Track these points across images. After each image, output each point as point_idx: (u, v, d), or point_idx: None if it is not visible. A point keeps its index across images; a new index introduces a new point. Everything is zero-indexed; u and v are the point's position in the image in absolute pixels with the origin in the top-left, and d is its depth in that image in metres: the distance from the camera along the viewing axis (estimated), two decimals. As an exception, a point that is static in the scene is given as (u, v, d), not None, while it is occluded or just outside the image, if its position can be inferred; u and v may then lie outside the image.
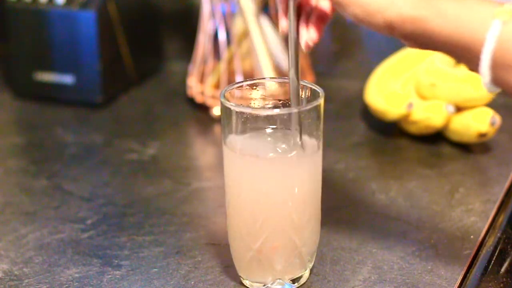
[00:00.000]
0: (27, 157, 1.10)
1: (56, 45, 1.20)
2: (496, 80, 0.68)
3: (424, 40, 0.71)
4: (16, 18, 1.21)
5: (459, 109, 1.06)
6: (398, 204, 0.94)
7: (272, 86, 0.81)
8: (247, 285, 0.80)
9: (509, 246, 0.87)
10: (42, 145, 1.13)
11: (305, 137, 0.77)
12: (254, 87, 0.80)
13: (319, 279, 0.81)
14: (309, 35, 0.77)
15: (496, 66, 0.67)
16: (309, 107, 0.76)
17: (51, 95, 1.23)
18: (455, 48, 0.69)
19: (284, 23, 0.77)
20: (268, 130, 0.77)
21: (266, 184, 0.76)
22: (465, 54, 0.69)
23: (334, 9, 0.78)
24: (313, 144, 0.77)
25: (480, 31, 0.67)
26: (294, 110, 0.75)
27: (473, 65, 0.69)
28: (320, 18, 0.78)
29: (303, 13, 0.78)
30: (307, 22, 0.77)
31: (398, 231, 0.89)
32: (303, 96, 0.79)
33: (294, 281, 0.79)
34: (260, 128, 0.77)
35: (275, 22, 1.13)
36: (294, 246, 0.78)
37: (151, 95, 1.27)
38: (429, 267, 0.82)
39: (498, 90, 0.69)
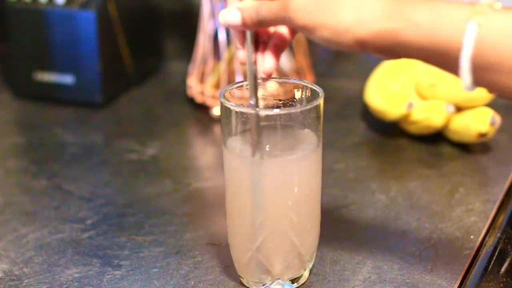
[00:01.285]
0: (27, 157, 1.10)
1: (56, 45, 1.20)
2: (478, 82, 0.67)
3: (398, 52, 0.69)
4: (16, 18, 1.21)
5: (459, 109, 1.06)
6: (398, 204, 0.95)
7: (272, 86, 0.81)
8: (247, 285, 0.80)
9: (509, 246, 0.87)
10: (42, 145, 1.13)
11: (305, 137, 0.77)
12: (254, 87, 0.80)
13: (319, 279, 0.81)
14: (265, 64, 0.75)
15: (477, 69, 0.66)
16: (309, 107, 0.76)
17: (51, 95, 1.23)
18: (432, 56, 0.67)
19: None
20: (268, 131, 0.77)
21: (265, 184, 0.76)
22: (442, 61, 0.67)
23: (293, 35, 0.76)
24: (313, 144, 0.77)
25: (455, 37, 0.65)
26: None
27: (452, 70, 0.67)
28: (278, 45, 0.76)
29: (260, 41, 0.76)
30: (263, 50, 0.76)
31: (398, 231, 0.89)
32: (303, 96, 0.79)
33: (293, 281, 0.79)
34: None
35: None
36: (294, 246, 0.78)
37: (151, 95, 1.27)
38: (429, 267, 0.82)
39: (476, 89, 0.68)
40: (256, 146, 0.75)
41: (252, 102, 0.75)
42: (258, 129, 0.74)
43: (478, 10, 0.65)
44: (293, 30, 0.76)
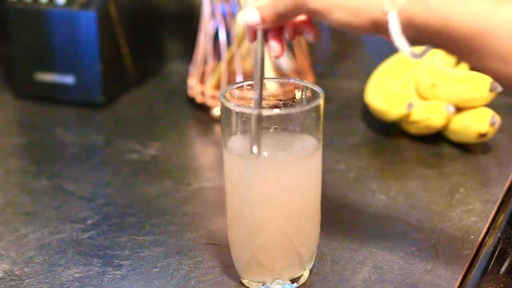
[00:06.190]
0: (28, 157, 1.11)
1: (56, 45, 1.20)
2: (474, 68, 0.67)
3: (411, 35, 0.68)
4: (16, 18, 1.21)
5: (459, 109, 1.06)
6: (398, 204, 0.95)
7: (272, 86, 0.81)
8: (247, 285, 0.80)
9: (509, 246, 0.87)
10: (42, 145, 1.13)
11: (305, 137, 0.77)
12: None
13: (319, 279, 0.81)
14: (273, 47, 0.76)
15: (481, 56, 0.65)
16: (309, 107, 0.76)
17: (51, 96, 1.23)
18: (446, 41, 0.67)
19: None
20: (268, 131, 0.77)
21: (265, 184, 0.76)
22: (454, 48, 0.67)
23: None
24: (313, 144, 0.77)
25: (476, 21, 0.65)
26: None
27: (463, 57, 0.67)
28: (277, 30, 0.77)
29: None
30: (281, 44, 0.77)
31: (398, 231, 0.89)
32: (303, 96, 0.79)
33: (293, 281, 0.79)
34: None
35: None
36: (293, 246, 0.78)
37: (151, 96, 1.27)
38: (429, 267, 0.82)
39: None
40: (255, 143, 0.75)
41: (256, 96, 0.75)
42: (258, 126, 0.75)
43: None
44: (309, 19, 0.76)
